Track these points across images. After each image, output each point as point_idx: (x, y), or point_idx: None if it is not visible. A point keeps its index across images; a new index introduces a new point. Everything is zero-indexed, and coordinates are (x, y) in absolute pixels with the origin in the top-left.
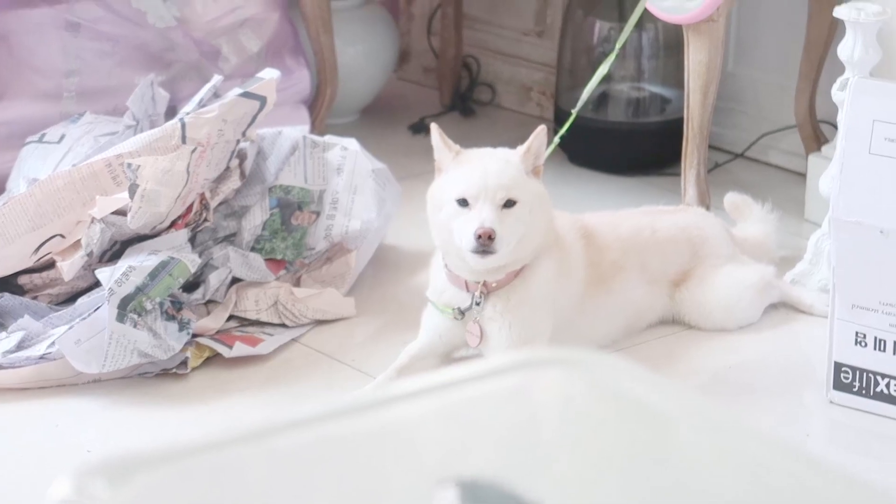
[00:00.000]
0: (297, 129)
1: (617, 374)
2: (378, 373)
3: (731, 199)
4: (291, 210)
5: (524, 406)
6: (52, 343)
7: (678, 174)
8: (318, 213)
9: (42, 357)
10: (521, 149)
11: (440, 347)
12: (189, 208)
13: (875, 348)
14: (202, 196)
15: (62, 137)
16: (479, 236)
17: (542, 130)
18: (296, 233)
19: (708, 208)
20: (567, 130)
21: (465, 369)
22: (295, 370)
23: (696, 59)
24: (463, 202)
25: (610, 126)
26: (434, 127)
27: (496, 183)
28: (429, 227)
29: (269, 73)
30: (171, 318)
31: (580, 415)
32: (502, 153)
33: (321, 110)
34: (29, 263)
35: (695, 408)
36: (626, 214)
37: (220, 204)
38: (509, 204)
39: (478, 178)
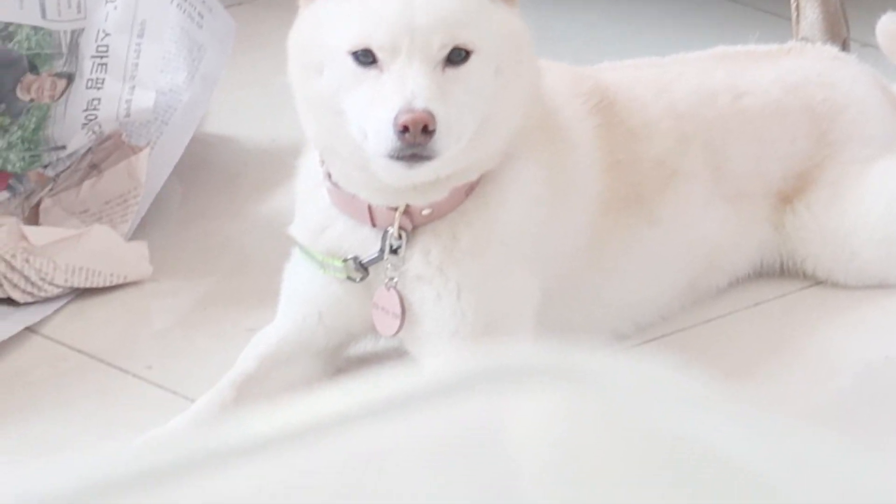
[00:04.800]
0: None
1: (663, 390)
2: (198, 391)
3: (893, 26)
4: (17, 73)
5: (489, 459)
6: None
7: None
8: (69, 78)
9: None
10: None
11: (320, 338)
12: None
13: None
14: None
15: None
16: (405, 128)
17: None
18: (27, 118)
19: (845, 46)
20: None
21: (372, 387)
22: (35, 388)
23: None
24: (365, 57)
25: None
26: None
27: (432, 17)
28: (293, 102)
29: None
30: None
31: (593, 470)
32: None
33: None
34: None
35: (820, 451)
36: (681, 64)
37: None
38: (457, 57)
39: (396, 8)
